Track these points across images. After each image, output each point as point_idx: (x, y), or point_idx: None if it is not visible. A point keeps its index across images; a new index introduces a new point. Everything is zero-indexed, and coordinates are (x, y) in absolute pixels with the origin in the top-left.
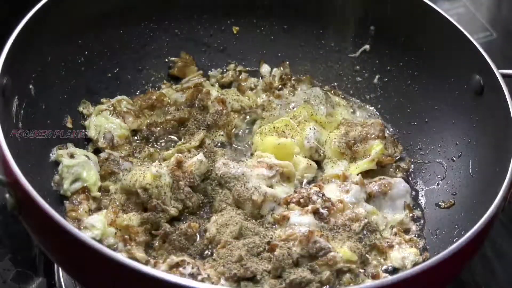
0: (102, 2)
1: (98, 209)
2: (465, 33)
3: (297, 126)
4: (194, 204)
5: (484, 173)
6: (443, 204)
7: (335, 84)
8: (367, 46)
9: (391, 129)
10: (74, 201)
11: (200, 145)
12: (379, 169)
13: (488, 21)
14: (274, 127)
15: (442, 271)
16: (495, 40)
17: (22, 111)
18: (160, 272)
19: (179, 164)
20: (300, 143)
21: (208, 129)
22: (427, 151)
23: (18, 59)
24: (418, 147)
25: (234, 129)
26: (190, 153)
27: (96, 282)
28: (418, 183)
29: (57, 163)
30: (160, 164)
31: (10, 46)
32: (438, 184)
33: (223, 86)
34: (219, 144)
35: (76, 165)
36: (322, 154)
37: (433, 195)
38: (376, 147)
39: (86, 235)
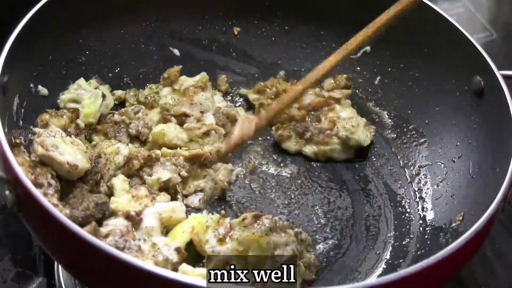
0: (103, 2)
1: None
2: (465, 33)
3: None
4: None
5: (484, 174)
6: (454, 224)
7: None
8: (368, 48)
9: (392, 131)
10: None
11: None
12: None
13: (488, 21)
14: None
15: (441, 270)
16: (495, 40)
17: (22, 110)
18: (165, 271)
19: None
20: None
21: None
22: (427, 152)
23: (19, 58)
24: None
25: None
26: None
27: (97, 280)
28: (418, 184)
29: None
30: (127, 145)
31: (11, 45)
32: (438, 185)
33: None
34: None
35: (86, 90)
36: None
37: (433, 196)
38: None
39: (86, 233)
